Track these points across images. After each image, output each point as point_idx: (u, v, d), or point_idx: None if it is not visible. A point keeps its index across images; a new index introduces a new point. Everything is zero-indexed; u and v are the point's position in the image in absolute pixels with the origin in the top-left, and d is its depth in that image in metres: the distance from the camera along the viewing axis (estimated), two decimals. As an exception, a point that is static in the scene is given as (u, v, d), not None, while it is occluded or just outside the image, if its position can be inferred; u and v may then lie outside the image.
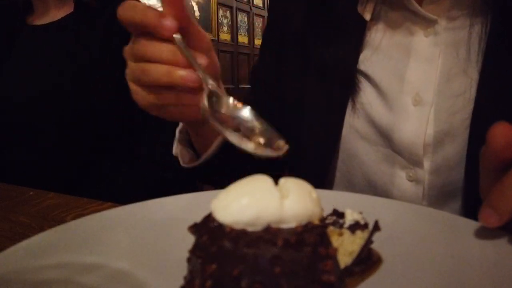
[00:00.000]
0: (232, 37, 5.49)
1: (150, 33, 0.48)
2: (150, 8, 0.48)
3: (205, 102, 0.46)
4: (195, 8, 4.79)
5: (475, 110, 0.58)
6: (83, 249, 0.41)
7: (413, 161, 0.64)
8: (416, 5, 0.62)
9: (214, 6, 5.06)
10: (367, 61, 0.68)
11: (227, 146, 0.65)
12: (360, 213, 0.39)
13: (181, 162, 0.69)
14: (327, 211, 0.43)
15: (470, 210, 0.60)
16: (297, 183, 0.32)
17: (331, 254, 0.29)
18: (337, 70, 0.69)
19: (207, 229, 0.31)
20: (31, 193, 0.70)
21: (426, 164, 0.63)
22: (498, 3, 0.57)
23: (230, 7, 5.45)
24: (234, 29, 5.51)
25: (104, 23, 1.02)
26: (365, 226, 0.38)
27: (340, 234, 0.37)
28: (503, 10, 0.57)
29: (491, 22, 0.58)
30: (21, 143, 1.01)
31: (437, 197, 0.63)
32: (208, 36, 0.53)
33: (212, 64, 0.52)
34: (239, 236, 0.29)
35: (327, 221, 0.40)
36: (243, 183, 0.32)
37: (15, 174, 0.97)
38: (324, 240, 0.29)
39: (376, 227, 0.38)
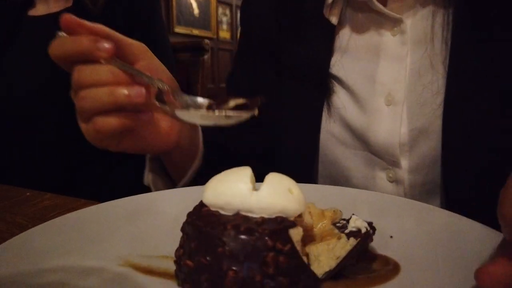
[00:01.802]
0: (231, 35, 5.48)
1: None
2: (81, 37, 0.47)
3: (154, 100, 0.47)
4: (194, 5, 4.78)
5: (445, 104, 0.59)
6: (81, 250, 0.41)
7: (391, 162, 0.64)
8: (380, 6, 0.63)
9: (213, 4, 5.05)
10: (338, 64, 0.69)
11: (204, 168, 0.65)
12: (370, 223, 0.38)
13: (153, 190, 0.68)
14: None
15: (450, 206, 0.60)
16: (278, 178, 0.35)
17: (279, 248, 0.31)
18: (309, 74, 0.70)
19: (195, 208, 0.36)
20: (28, 194, 0.69)
21: (404, 163, 0.63)
22: None
23: (230, 5, 5.45)
24: (233, 27, 5.50)
25: (101, 23, 1.01)
26: (365, 234, 0.37)
27: (339, 238, 0.37)
28: (464, 2, 0.58)
29: (453, 14, 0.59)
30: (19, 143, 1.00)
31: (419, 196, 0.64)
32: (135, 42, 0.52)
33: (153, 67, 0.51)
34: (207, 216, 0.34)
35: (338, 224, 0.40)
36: (226, 173, 0.36)
37: (12, 174, 0.97)
38: (277, 235, 0.31)
39: (368, 237, 0.37)
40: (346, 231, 0.36)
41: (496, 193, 0.44)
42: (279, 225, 0.32)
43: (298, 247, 0.33)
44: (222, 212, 0.34)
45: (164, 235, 0.43)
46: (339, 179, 0.70)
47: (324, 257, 0.35)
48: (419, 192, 0.63)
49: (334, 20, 0.68)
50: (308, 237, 0.39)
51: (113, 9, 1.02)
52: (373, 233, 0.37)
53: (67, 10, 1.04)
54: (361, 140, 0.67)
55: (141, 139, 0.54)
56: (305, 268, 0.33)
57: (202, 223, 0.33)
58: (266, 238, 0.31)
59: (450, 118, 0.58)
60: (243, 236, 0.31)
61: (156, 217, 0.49)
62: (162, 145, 0.58)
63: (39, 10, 1.06)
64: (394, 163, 0.64)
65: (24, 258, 0.38)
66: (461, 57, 0.58)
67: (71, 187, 0.91)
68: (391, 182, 0.65)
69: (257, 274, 0.31)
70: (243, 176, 0.35)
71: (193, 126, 0.65)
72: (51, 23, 1.04)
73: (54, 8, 1.06)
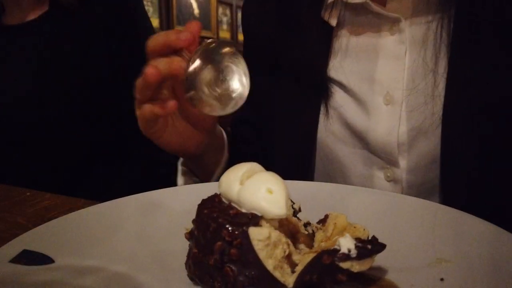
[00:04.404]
0: (232, 35, 5.48)
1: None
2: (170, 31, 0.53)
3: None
4: (194, 5, 4.78)
5: (445, 105, 0.59)
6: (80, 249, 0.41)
7: (389, 161, 0.65)
8: (377, 8, 0.63)
9: (213, 4, 5.05)
10: (337, 68, 0.69)
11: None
12: (378, 243, 0.34)
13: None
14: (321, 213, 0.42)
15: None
16: (264, 177, 0.36)
17: (228, 240, 0.34)
18: (308, 76, 0.70)
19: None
20: (28, 193, 0.69)
21: (402, 163, 0.64)
22: None
23: (230, 5, 5.44)
24: (234, 27, 5.49)
25: (86, 24, 1.00)
26: (344, 256, 0.33)
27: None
28: (466, 3, 0.58)
29: (455, 16, 0.59)
30: (19, 143, 1.00)
31: (417, 196, 0.63)
32: None
33: None
34: (210, 201, 0.39)
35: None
36: (235, 166, 0.39)
37: (12, 174, 0.97)
38: (232, 228, 0.34)
39: (343, 258, 0.33)
40: (332, 247, 0.33)
41: (493, 194, 0.44)
42: (241, 220, 0.34)
43: (259, 246, 0.33)
44: (223, 200, 0.38)
45: (169, 233, 0.43)
46: (337, 177, 0.71)
47: (299, 267, 0.34)
48: (416, 192, 0.63)
49: (333, 22, 0.68)
50: (311, 246, 0.39)
51: (92, 5, 1.01)
52: (370, 252, 0.33)
53: (44, 15, 1.01)
54: (360, 138, 0.67)
55: (177, 133, 0.61)
56: (262, 269, 0.33)
57: (200, 204, 0.38)
58: (223, 228, 0.34)
59: (450, 120, 0.58)
60: (208, 223, 0.35)
61: (161, 215, 0.49)
62: (195, 141, 0.64)
63: (13, 18, 1.02)
64: (392, 162, 0.64)
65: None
66: (461, 59, 0.58)
67: (71, 187, 0.91)
68: (389, 181, 0.65)
69: (211, 258, 0.34)
70: (239, 170, 0.37)
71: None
72: (28, 31, 1.01)
73: (29, 15, 1.02)
